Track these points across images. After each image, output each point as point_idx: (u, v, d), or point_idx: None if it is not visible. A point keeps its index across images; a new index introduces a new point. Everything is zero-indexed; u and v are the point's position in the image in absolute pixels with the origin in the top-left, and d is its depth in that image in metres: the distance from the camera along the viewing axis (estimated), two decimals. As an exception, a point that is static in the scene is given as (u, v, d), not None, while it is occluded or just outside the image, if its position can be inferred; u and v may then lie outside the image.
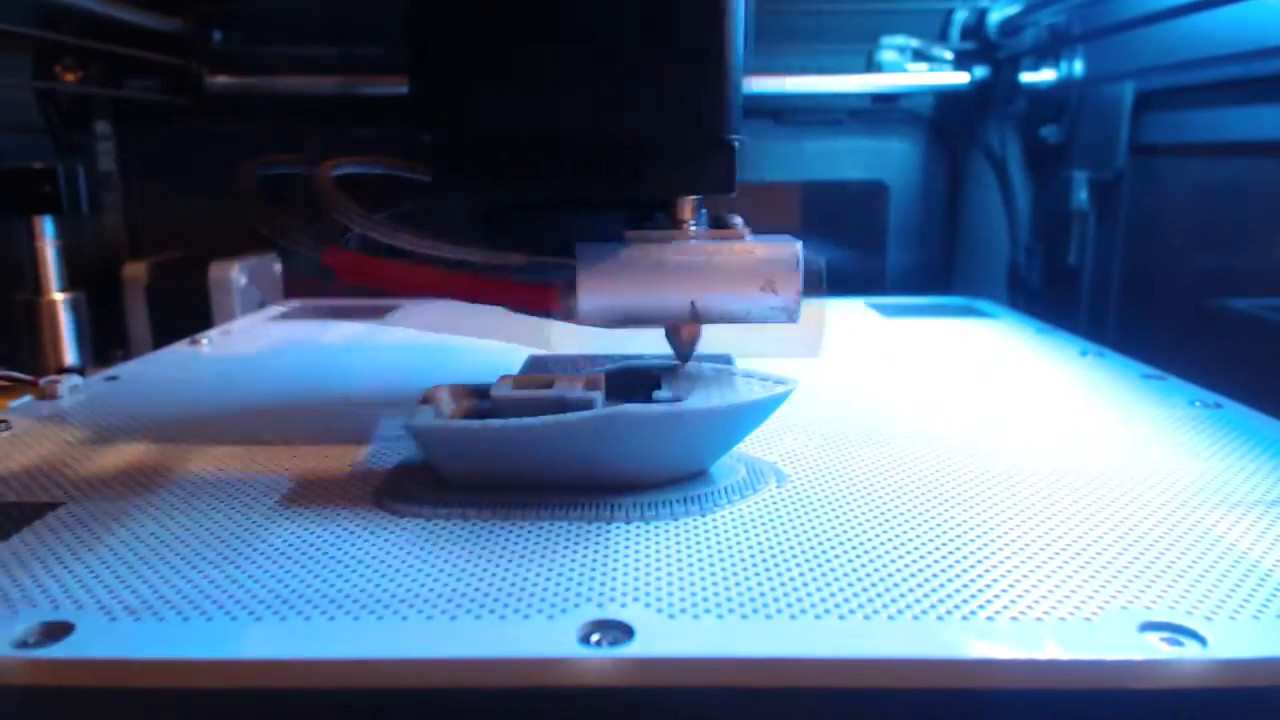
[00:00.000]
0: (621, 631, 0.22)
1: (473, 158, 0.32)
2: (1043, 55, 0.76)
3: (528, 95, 0.31)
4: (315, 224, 0.33)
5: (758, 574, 0.25)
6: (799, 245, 0.32)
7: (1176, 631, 0.21)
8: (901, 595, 0.23)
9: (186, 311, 0.75)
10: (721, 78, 0.30)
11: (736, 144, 0.31)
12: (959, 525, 0.28)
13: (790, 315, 0.32)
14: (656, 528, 0.28)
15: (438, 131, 0.31)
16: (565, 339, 0.55)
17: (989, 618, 0.22)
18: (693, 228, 0.33)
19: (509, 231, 0.34)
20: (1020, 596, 0.23)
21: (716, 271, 0.32)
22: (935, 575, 0.24)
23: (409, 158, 0.37)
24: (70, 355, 0.67)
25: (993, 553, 0.26)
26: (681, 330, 0.34)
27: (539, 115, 0.31)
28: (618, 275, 0.32)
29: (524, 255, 0.32)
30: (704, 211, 0.34)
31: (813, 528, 0.28)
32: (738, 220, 0.33)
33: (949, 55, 0.81)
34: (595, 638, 0.21)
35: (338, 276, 0.32)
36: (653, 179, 0.32)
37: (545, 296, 0.33)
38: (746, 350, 0.44)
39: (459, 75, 0.30)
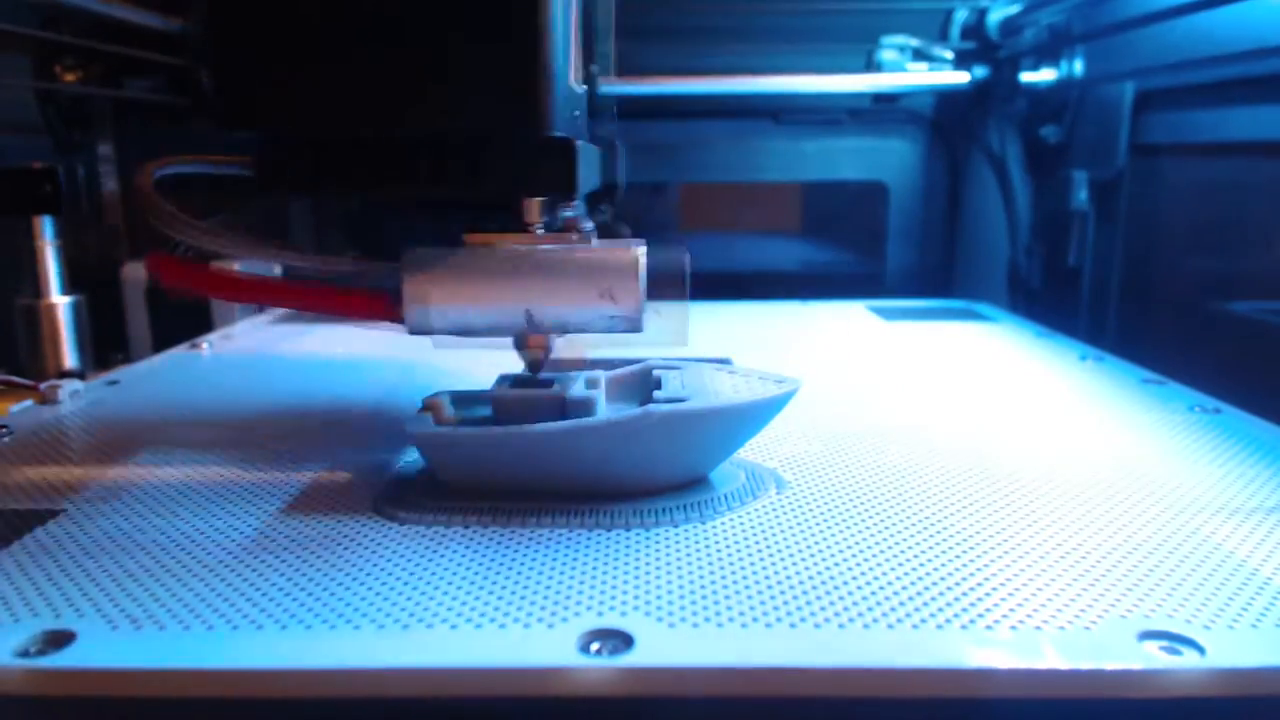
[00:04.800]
0: (621, 640, 0.22)
1: (296, 161, 0.30)
2: (1043, 55, 0.76)
3: (348, 93, 0.29)
4: (218, 221, 0.32)
5: (758, 582, 0.25)
6: (641, 250, 0.30)
7: (1175, 640, 0.21)
8: (901, 604, 0.23)
9: (186, 312, 0.75)
10: (537, 72, 0.28)
11: (579, 144, 0.30)
12: (958, 533, 0.28)
13: (632, 325, 0.31)
14: (657, 535, 0.28)
15: (258, 133, 0.30)
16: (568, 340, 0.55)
17: (988, 626, 0.22)
18: (539, 232, 0.31)
19: (352, 235, 0.33)
20: (1019, 605, 0.23)
21: (548, 278, 0.30)
22: (935, 583, 0.25)
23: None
24: (70, 359, 0.67)
25: (992, 560, 0.26)
26: (528, 340, 0.32)
27: (361, 114, 0.29)
28: (444, 281, 0.30)
29: (354, 261, 0.31)
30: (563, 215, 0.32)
31: (812, 535, 0.28)
32: (588, 225, 0.32)
33: (949, 55, 0.81)
34: (595, 646, 0.21)
35: (159, 282, 0.31)
36: (486, 179, 0.30)
37: (376, 305, 0.31)
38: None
39: (275, 73, 0.29)
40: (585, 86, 0.35)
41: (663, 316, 0.32)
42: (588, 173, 0.32)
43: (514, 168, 0.30)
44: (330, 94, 0.29)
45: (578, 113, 0.33)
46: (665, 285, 0.33)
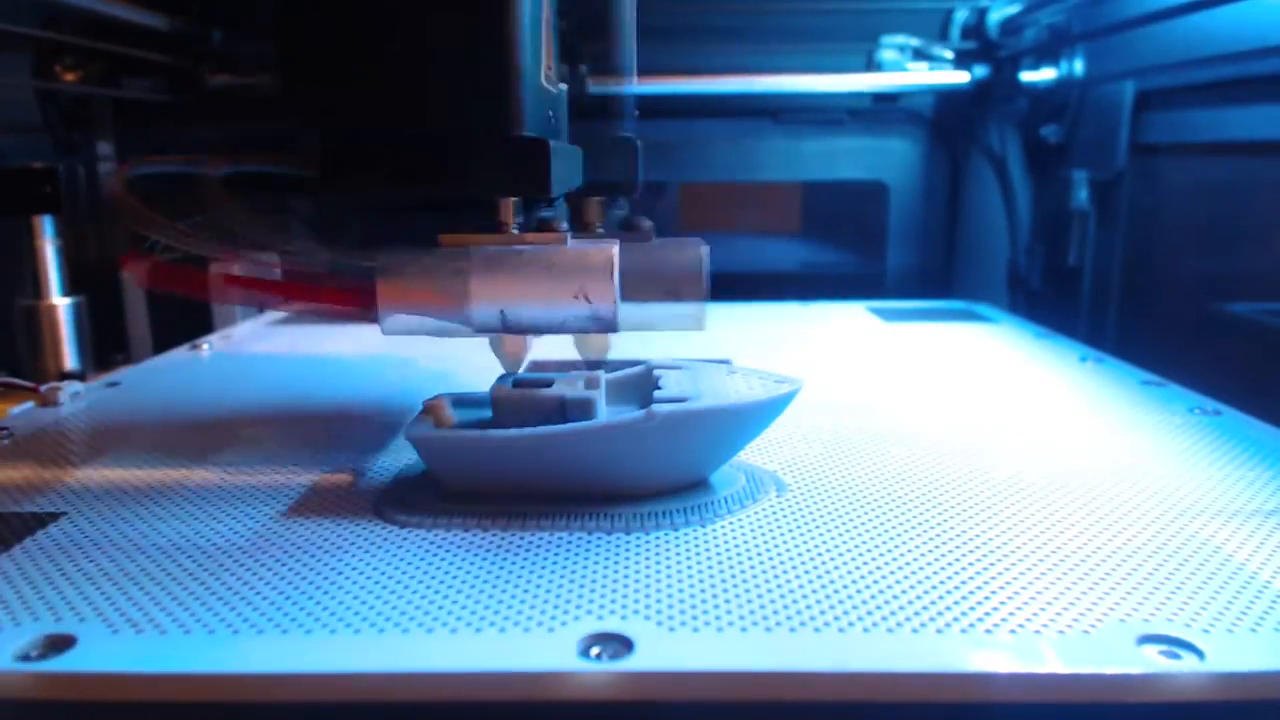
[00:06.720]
0: (621, 644, 0.22)
1: (335, 159, 0.31)
2: (1043, 55, 0.76)
3: (361, 94, 0.30)
4: (192, 223, 0.33)
5: (757, 585, 0.25)
6: (615, 249, 0.31)
7: (1174, 644, 0.21)
8: (901, 608, 0.23)
9: (187, 311, 0.75)
10: (506, 72, 0.29)
11: (552, 144, 0.30)
12: (958, 536, 0.28)
13: (608, 325, 0.31)
14: (657, 538, 0.28)
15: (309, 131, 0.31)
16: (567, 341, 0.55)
17: (988, 630, 0.22)
18: (515, 232, 0.32)
19: (343, 234, 0.34)
20: (1019, 609, 0.23)
21: (521, 278, 0.31)
22: (934, 587, 0.25)
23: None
24: (71, 360, 0.67)
25: (992, 564, 0.26)
26: (505, 342, 0.33)
27: (367, 113, 0.31)
28: (417, 283, 0.31)
29: (330, 255, 0.32)
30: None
31: (812, 538, 0.28)
32: (563, 225, 0.32)
33: (949, 54, 0.81)
34: (595, 650, 0.21)
35: (136, 282, 0.33)
36: (463, 179, 0.30)
37: (356, 298, 0.32)
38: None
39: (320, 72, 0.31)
40: (564, 86, 0.36)
41: (682, 302, 0.33)
42: (565, 173, 0.32)
43: (488, 168, 0.30)
44: (348, 95, 0.31)
45: (552, 113, 0.34)
46: (683, 282, 0.34)
